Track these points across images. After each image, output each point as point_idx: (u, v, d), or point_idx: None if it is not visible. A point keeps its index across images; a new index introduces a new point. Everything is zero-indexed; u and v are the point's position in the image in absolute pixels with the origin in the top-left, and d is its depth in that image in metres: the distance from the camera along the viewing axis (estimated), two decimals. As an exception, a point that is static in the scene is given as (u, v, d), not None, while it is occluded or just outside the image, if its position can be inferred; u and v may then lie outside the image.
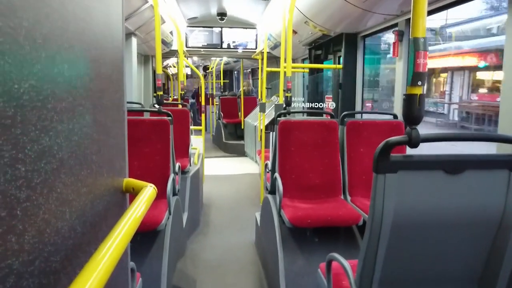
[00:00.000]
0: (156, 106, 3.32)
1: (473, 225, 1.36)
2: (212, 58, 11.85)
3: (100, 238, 0.82)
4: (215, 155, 8.77)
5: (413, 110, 1.25)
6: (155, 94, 3.38)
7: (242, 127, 9.13)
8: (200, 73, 13.65)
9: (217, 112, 10.65)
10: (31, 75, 0.59)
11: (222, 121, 9.86)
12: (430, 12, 2.81)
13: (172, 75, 12.28)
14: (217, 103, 10.95)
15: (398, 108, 3.38)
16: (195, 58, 11.76)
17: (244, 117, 9.23)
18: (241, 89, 9.92)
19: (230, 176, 6.86)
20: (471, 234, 1.38)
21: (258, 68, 12.51)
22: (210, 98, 10.43)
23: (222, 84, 12.79)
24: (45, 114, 0.63)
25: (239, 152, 8.95)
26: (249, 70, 13.99)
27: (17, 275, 0.54)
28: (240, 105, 9.94)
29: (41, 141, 0.61)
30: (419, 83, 1.24)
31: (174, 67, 11.51)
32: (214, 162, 7.85)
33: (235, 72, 16.46)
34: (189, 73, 12.90)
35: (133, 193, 1.10)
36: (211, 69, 12.33)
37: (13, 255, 0.53)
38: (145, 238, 2.62)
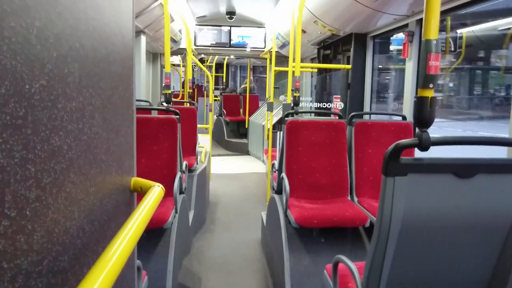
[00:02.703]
0: (164, 104, 3.33)
1: (483, 230, 1.34)
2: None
3: (108, 238, 0.83)
4: (218, 153, 8.75)
5: (424, 113, 1.23)
6: (163, 92, 3.39)
7: (246, 126, 9.09)
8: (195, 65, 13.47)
9: (218, 108, 10.58)
10: (42, 75, 0.59)
11: (224, 119, 9.80)
12: (443, 13, 2.77)
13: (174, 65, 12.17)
14: (215, 98, 10.82)
15: (407, 109, 3.35)
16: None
17: (245, 114, 9.22)
18: (247, 86, 9.86)
19: (236, 174, 6.87)
20: (481, 238, 1.36)
21: (260, 65, 12.43)
22: (205, 92, 10.29)
23: (224, 79, 12.66)
24: (55, 113, 0.63)
25: (242, 150, 8.92)
26: (251, 67, 13.93)
27: (25, 274, 0.54)
28: (242, 102, 9.90)
29: (51, 141, 0.61)
30: (431, 85, 1.22)
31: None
32: (218, 160, 7.85)
33: (232, 67, 16.29)
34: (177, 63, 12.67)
35: (141, 193, 1.10)
36: (208, 62, 12.15)
37: (22, 255, 0.53)
38: (151, 235, 2.63)
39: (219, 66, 13.54)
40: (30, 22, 0.55)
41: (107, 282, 0.63)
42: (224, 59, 11.93)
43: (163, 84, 3.51)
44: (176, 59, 10.76)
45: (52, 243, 0.62)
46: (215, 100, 10.67)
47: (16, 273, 0.52)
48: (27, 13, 0.55)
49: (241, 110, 9.93)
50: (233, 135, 9.75)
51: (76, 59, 0.72)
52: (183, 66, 9.97)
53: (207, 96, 8.16)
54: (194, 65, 12.70)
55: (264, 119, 7.86)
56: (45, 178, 0.59)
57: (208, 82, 9.73)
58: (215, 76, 13.15)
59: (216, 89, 11.59)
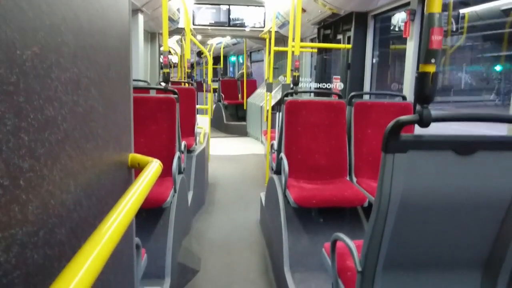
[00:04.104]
0: (163, 84, 3.29)
1: (482, 208, 1.34)
2: (208, 43, 11.71)
3: (106, 212, 0.82)
4: (217, 135, 8.81)
5: (426, 88, 1.21)
6: (162, 71, 3.35)
7: (245, 108, 9.19)
8: (196, 59, 13.34)
9: (217, 94, 10.64)
10: (34, 42, 0.57)
11: (223, 103, 9.89)
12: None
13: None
14: (214, 87, 10.80)
15: (407, 89, 3.32)
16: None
17: (244, 98, 9.34)
18: (244, 71, 9.88)
19: (234, 156, 6.88)
20: (479, 216, 1.36)
21: (257, 51, 12.36)
22: (204, 85, 10.20)
23: (222, 66, 12.58)
24: (49, 83, 0.61)
25: (241, 132, 9.08)
26: (248, 53, 13.82)
27: (20, 245, 0.53)
28: (239, 87, 9.95)
29: (45, 111, 0.60)
30: (433, 60, 1.20)
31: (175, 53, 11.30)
32: (217, 142, 7.87)
33: (230, 58, 16.22)
34: (175, 61, 12.45)
35: (139, 168, 1.09)
36: (206, 53, 12.05)
37: (17, 225, 0.52)
38: (151, 215, 2.64)
39: (216, 60, 13.51)
40: None
41: (103, 255, 0.62)
42: (221, 48, 11.85)
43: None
44: (174, 58, 10.67)
45: (48, 215, 0.61)
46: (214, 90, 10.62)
47: (11, 242, 0.51)
48: None
49: (239, 94, 9.98)
50: (232, 118, 9.88)
51: (70, 29, 0.70)
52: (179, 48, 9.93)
53: (207, 90, 8.20)
54: (192, 63, 12.58)
55: (262, 100, 7.83)
56: (39, 148, 0.58)
57: (206, 75, 9.67)
58: (213, 68, 13.09)
59: (214, 80, 11.61)
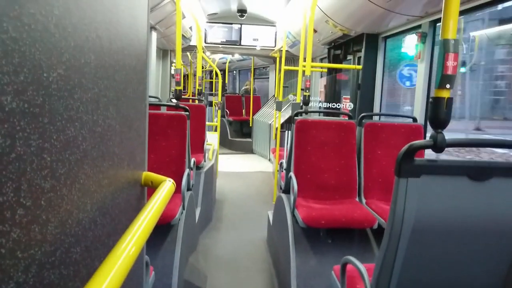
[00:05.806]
0: (174, 100, 3.33)
1: (497, 234, 1.32)
2: (211, 57, 11.84)
3: (119, 231, 0.82)
4: (222, 152, 8.81)
5: (440, 113, 1.21)
6: (175, 88, 3.39)
7: (250, 125, 9.17)
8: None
9: (221, 109, 10.67)
10: (60, 64, 0.58)
11: (227, 119, 9.88)
12: (461, 13, 2.73)
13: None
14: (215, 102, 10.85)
15: (418, 111, 3.32)
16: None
17: (248, 114, 9.32)
18: (248, 87, 9.97)
19: (241, 173, 6.87)
20: (494, 243, 1.34)
21: (261, 67, 12.47)
22: (204, 98, 10.14)
23: (227, 81, 12.66)
24: (71, 104, 0.62)
25: (246, 149, 9.00)
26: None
27: (39, 265, 0.54)
28: (244, 103, 10.00)
29: (67, 132, 0.61)
30: (448, 86, 1.20)
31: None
32: (224, 159, 7.87)
33: (231, 72, 16.37)
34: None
35: (152, 187, 1.10)
36: (208, 67, 12.03)
37: (36, 245, 0.53)
38: (159, 231, 2.62)
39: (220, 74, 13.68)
40: (49, 10, 0.55)
41: (118, 276, 0.62)
42: (225, 63, 12.01)
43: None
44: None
45: (65, 234, 0.62)
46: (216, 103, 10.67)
47: (30, 263, 0.51)
48: (47, 1, 0.54)
49: (244, 110, 10.00)
50: (236, 134, 9.85)
51: (92, 49, 0.71)
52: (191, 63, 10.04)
53: (211, 105, 8.16)
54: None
55: (269, 117, 7.85)
56: (60, 168, 0.59)
57: (207, 88, 9.65)
58: (215, 82, 13.22)
59: (216, 95, 11.70)
